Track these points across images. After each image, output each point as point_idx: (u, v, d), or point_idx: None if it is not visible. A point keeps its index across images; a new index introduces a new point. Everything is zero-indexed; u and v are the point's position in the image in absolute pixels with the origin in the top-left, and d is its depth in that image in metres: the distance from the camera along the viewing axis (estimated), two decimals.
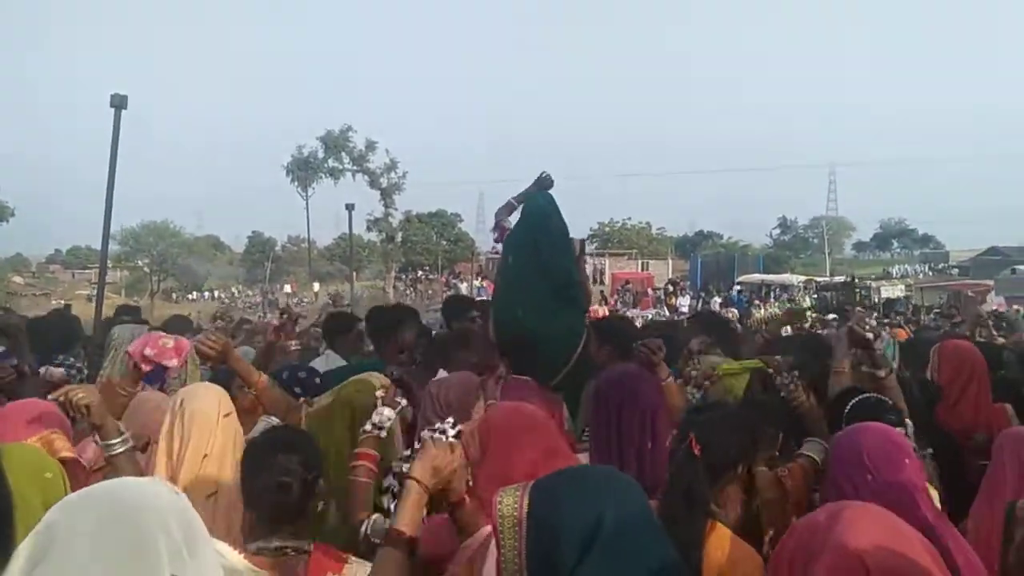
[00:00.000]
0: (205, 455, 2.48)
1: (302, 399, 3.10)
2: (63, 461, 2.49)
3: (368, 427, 2.60)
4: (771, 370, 3.17)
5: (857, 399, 2.86)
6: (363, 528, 2.34)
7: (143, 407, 2.96)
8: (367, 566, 2.03)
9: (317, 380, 3.57)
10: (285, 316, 4.86)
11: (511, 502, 1.51)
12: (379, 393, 2.67)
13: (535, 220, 4.42)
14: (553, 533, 1.42)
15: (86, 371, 4.41)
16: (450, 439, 2.02)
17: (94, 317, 6.27)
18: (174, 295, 58.24)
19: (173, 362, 3.05)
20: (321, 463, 2.21)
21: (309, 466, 2.12)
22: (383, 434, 2.59)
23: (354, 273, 29.73)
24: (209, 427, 2.52)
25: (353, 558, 2.11)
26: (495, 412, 2.43)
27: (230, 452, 2.53)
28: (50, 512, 1.26)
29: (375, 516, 2.37)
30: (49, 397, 2.66)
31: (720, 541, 2.06)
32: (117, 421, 2.61)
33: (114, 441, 2.48)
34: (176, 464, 2.48)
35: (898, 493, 1.96)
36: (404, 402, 2.67)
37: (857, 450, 2.13)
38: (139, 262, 59.75)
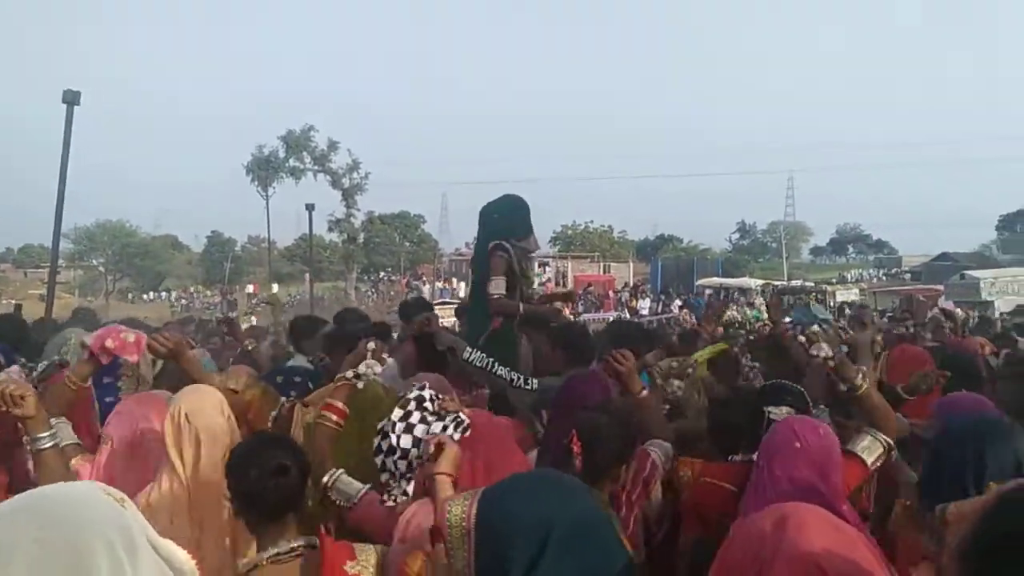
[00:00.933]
0: (209, 455, 2.43)
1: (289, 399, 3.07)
2: None
3: (349, 374, 2.59)
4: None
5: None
6: (326, 479, 2.33)
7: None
8: (373, 549, 2.03)
9: (310, 385, 3.58)
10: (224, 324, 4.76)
11: (459, 512, 1.50)
12: (371, 346, 2.66)
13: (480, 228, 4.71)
14: (502, 542, 1.42)
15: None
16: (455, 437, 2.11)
17: (44, 316, 6.16)
18: (130, 295, 57.10)
19: (133, 357, 3.00)
20: (306, 459, 2.20)
21: (298, 457, 2.12)
22: (359, 385, 2.59)
23: (309, 274, 29.47)
24: (218, 432, 2.47)
25: (358, 545, 2.08)
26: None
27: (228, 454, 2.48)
28: None
29: (340, 471, 2.37)
30: None
31: None
32: (58, 417, 2.57)
33: (42, 435, 2.37)
34: (190, 471, 2.41)
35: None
36: (391, 360, 2.68)
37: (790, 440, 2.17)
38: (94, 261, 58.52)
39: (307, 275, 29.88)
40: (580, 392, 2.81)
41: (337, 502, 2.34)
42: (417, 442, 2.19)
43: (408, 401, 2.25)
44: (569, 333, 4.31)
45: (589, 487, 1.77)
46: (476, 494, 1.53)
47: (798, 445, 2.10)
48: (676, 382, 3.57)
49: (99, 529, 1.19)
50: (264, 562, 1.97)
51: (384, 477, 2.29)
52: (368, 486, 2.37)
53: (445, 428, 2.16)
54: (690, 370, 3.63)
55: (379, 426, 2.27)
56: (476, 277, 4.71)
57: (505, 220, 4.67)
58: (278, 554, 1.98)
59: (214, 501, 2.35)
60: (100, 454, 2.67)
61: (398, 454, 2.24)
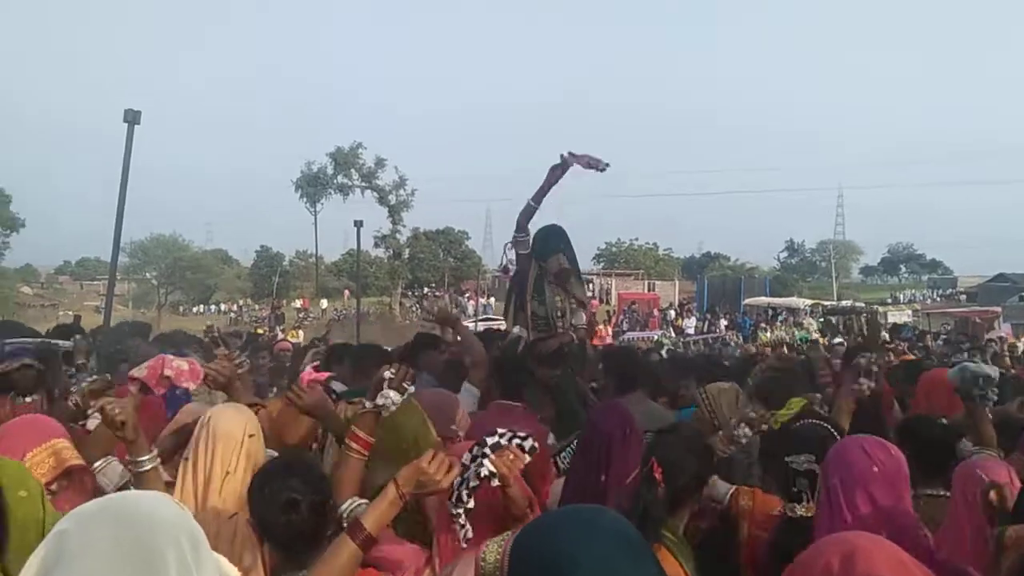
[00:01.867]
0: (228, 472, 2.48)
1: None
2: (71, 469, 2.53)
3: (369, 405, 2.53)
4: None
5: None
6: (343, 508, 2.30)
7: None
8: None
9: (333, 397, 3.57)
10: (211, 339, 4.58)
11: (493, 559, 1.47)
12: (388, 374, 2.57)
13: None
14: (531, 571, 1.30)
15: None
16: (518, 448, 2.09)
17: (102, 327, 6.32)
18: (181, 308, 58.40)
19: (191, 384, 3.06)
20: (329, 487, 2.20)
21: (316, 488, 2.12)
22: (384, 414, 2.52)
23: (357, 289, 29.82)
24: (233, 446, 2.51)
25: None
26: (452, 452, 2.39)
27: (251, 473, 2.49)
28: (62, 521, 1.28)
29: (359, 500, 2.32)
30: (89, 411, 2.62)
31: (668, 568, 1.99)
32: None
33: (143, 458, 2.45)
34: (204, 480, 2.47)
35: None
36: (412, 388, 2.60)
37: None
38: (147, 274, 60.00)
39: (349, 291, 30.14)
40: (599, 426, 2.74)
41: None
42: (465, 483, 2.12)
43: (484, 442, 2.16)
44: (615, 360, 4.29)
45: (647, 520, 1.73)
46: (510, 538, 1.43)
47: (875, 469, 2.03)
48: (746, 429, 3.43)
49: (170, 532, 1.28)
50: None
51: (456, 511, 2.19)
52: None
53: (526, 450, 2.12)
54: (765, 426, 3.46)
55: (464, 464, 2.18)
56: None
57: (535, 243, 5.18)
58: None
59: (220, 509, 2.38)
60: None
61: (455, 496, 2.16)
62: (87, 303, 49.65)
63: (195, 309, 58.00)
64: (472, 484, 2.08)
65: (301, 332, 27.10)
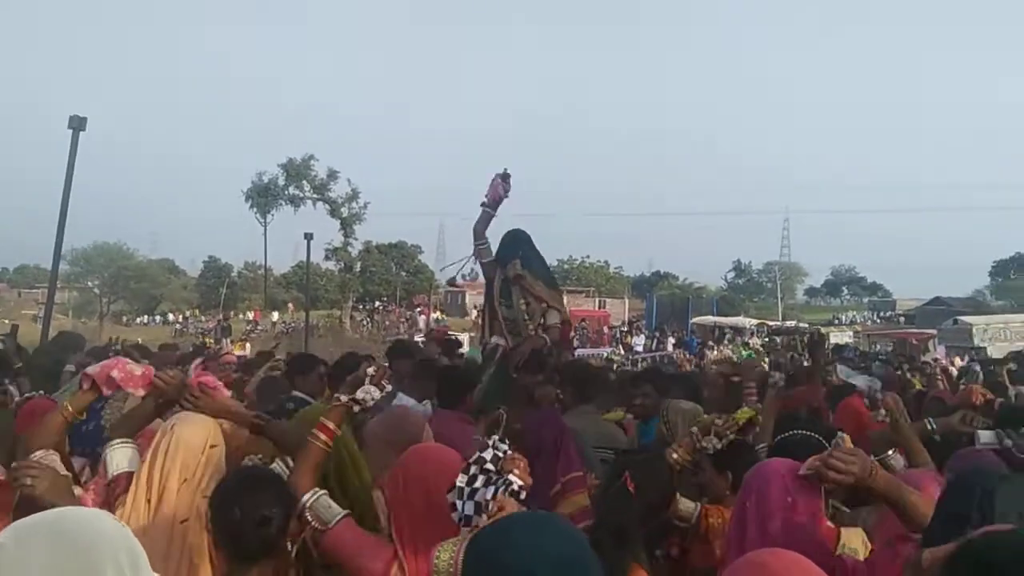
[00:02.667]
0: (185, 479, 2.44)
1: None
2: None
3: (344, 398, 2.47)
4: None
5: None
6: (305, 498, 2.24)
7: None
8: None
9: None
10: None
11: (447, 558, 1.47)
12: (370, 371, 2.54)
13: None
14: None
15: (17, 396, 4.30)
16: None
17: (40, 338, 6.18)
18: (124, 318, 56.94)
19: (139, 391, 2.99)
20: (293, 502, 2.21)
21: (283, 504, 2.14)
22: (355, 409, 2.49)
23: (305, 302, 29.52)
24: (194, 454, 2.47)
25: None
26: (410, 455, 2.37)
27: (207, 483, 2.45)
28: (3, 533, 1.27)
29: (322, 492, 2.28)
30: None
31: None
32: (47, 449, 2.54)
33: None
34: (159, 486, 2.43)
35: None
36: (389, 387, 2.57)
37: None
38: (89, 283, 58.41)
39: (292, 303, 29.72)
40: (532, 433, 2.79)
41: (312, 523, 2.24)
42: (479, 508, 1.95)
43: (482, 460, 2.02)
44: (573, 371, 4.39)
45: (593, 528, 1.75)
46: (464, 540, 1.46)
47: (790, 500, 2.04)
48: (715, 440, 3.43)
49: (109, 549, 1.28)
50: None
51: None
52: (347, 512, 2.28)
53: (496, 491, 1.96)
54: (730, 433, 3.54)
55: (448, 496, 2.04)
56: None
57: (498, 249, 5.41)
58: None
59: (171, 515, 2.36)
60: (98, 483, 2.66)
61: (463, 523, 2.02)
62: (25, 311, 48.03)
63: (139, 319, 56.58)
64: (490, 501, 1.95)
65: (248, 345, 26.61)
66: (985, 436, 3.64)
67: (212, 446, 2.55)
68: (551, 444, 2.63)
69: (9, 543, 1.24)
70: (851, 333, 32.66)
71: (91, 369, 2.90)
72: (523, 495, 1.96)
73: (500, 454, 2.00)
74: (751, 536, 2.01)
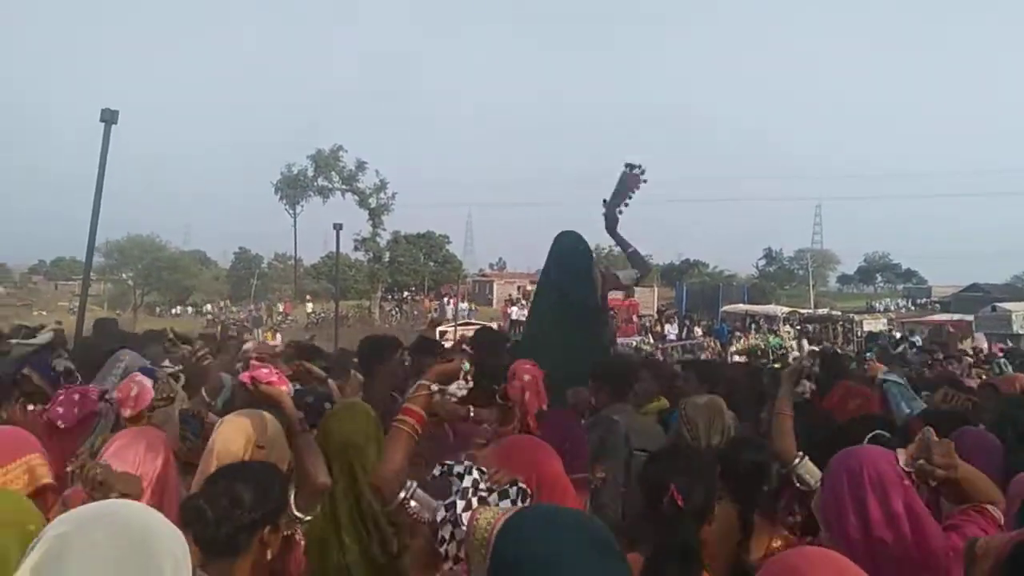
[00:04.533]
0: None
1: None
2: (44, 487, 2.44)
3: (435, 387, 2.44)
4: None
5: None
6: (403, 493, 2.18)
7: None
8: None
9: (327, 405, 3.52)
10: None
11: (485, 524, 1.45)
12: (466, 366, 2.51)
13: (557, 259, 4.87)
14: (514, 571, 1.35)
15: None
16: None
17: (75, 330, 6.25)
18: (158, 309, 57.81)
19: (127, 411, 3.02)
20: (280, 502, 2.08)
21: (257, 502, 1.98)
22: (436, 397, 2.46)
23: (335, 293, 29.65)
24: (232, 457, 2.39)
25: None
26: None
27: None
28: (58, 523, 1.28)
29: (413, 485, 2.21)
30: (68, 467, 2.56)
31: None
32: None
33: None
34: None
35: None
36: (471, 383, 2.56)
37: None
38: (123, 275, 59.33)
39: (311, 295, 29.85)
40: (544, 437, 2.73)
41: (416, 517, 2.17)
42: None
43: (465, 491, 2.01)
44: (610, 369, 4.27)
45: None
46: (505, 513, 1.46)
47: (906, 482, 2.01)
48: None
49: (166, 544, 1.30)
50: None
51: (447, 566, 2.05)
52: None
53: (514, 503, 1.99)
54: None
55: (442, 519, 2.03)
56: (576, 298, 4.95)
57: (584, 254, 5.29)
58: None
59: None
60: None
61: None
62: (61, 303, 48.97)
63: (172, 311, 57.40)
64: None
65: (279, 335, 26.88)
66: None
67: (259, 447, 2.46)
68: (556, 446, 2.57)
69: (71, 530, 1.25)
70: (885, 320, 32.14)
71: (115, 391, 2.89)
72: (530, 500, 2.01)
73: (478, 477, 2.01)
74: (875, 518, 1.93)
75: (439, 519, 1.99)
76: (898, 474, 1.98)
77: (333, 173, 47.91)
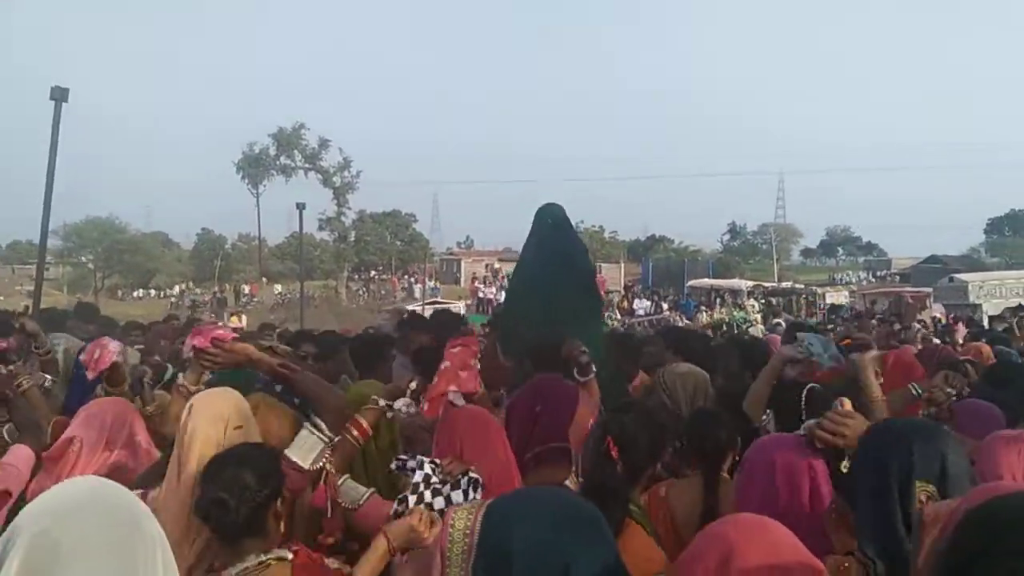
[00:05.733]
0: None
1: None
2: None
3: (382, 402, 2.64)
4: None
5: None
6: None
7: None
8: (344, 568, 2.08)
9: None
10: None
11: (462, 526, 1.41)
12: (412, 385, 2.72)
13: (554, 230, 4.71)
14: (506, 571, 1.31)
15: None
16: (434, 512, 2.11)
17: (31, 312, 6.13)
18: (119, 292, 56.78)
19: (90, 374, 3.00)
20: (281, 476, 2.13)
21: (263, 482, 2.04)
22: (388, 415, 2.65)
23: (300, 273, 29.36)
24: (212, 443, 2.31)
25: (332, 561, 2.10)
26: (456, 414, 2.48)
27: None
28: (28, 518, 1.16)
29: (346, 477, 2.43)
30: None
31: (631, 539, 2.06)
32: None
33: None
34: (175, 473, 2.31)
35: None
36: (414, 410, 2.68)
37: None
38: (83, 258, 58.10)
39: (303, 273, 29.55)
40: (513, 403, 2.74)
41: (344, 505, 2.38)
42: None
43: (416, 485, 2.20)
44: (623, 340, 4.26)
45: (613, 506, 1.75)
46: (482, 506, 1.43)
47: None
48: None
49: (155, 526, 1.24)
50: None
51: (396, 559, 2.20)
52: (372, 490, 2.43)
53: (466, 494, 2.15)
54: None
55: (396, 513, 2.20)
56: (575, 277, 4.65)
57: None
58: (246, 569, 1.97)
59: (182, 507, 2.25)
60: (68, 456, 2.59)
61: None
62: (18, 287, 47.85)
63: (135, 294, 56.43)
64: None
65: (244, 317, 26.52)
66: None
67: (236, 427, 2.42)
68: (524, 413, 2.55)
69: (53, 524, 1.14)
70: (847, 293, 32.65)
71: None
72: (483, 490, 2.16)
73: (430, 471, 2.20)
74: (783, 507, 1.99)
75: (392, 513, 2.13)
76: (804, 458, 2.05)
77: (296, 152, 47.19)
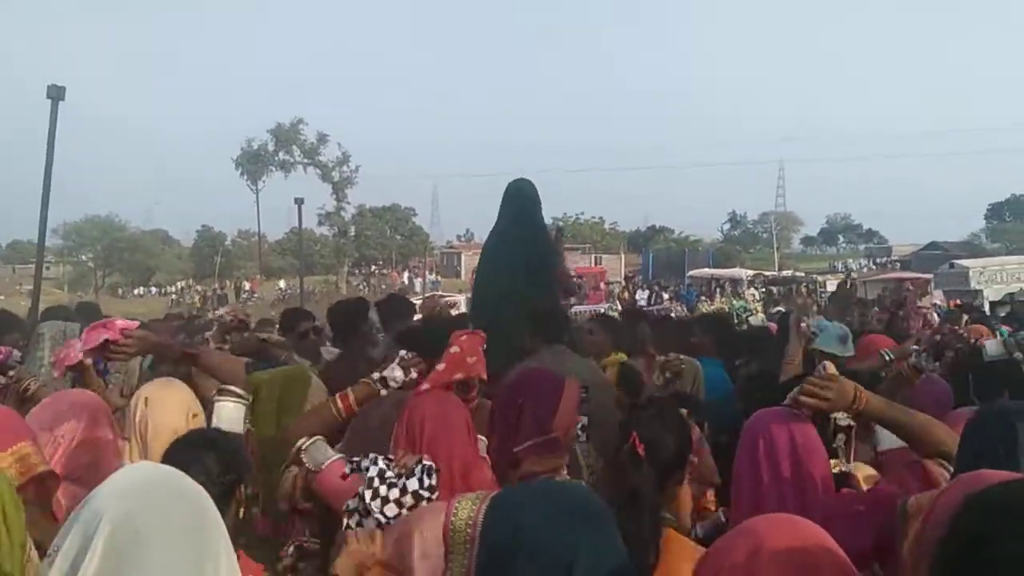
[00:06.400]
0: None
1: None
2: (39, 476, 2.26)
3: (376, 375, 2.60)
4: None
5: None
6: (301, 442, 2.33)
7: None
8: None
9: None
10: None
11: (466, 515, 1.41)
12: (403, 353, 2.67)
13: (512, 208, 4.65)
14: (514, 560, 1.29)
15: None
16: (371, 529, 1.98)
17: (29, 314, 6.12)
18: (120, 290, 56.80)
19: (55, 372, 3.02)
20: (245, 467, 2.07)
21: (227, 469, 1.98)
22: (383, 392, 2.56)
23: (300, 269, 29.36)
24: (174, 434, 2.30)
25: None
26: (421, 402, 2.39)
27: None
28: (106, 499, 1.19)
29: (318, 438, 2.37)
30: None
31: (682, 551, 1.84)
32: None
33: None
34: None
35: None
36: (415, 374, 2.62)
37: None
38: (83, 257, 58.12)
39: (302, 269, 29.52)
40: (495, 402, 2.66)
41: (306, 464, 2.33)
42: (401, 505, 2.07)
43: (371, 480, 2.13)
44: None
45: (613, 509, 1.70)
46: (486, 497, 1.42)
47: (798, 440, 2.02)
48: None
49: (219, 524, 1.28)
50: None
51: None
52: (339, 455, 2.34)
53: (421, 482, 2.08)
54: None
55: (349, 510, 2.14)
56: (532, 257, 4.58)
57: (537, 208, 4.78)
58: None
59: None
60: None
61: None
62: (20, 287, 47.88)
63: (135, 291, 56.45)
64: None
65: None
66: (992, 347, 3.61)
67: (193, 415, 2.51)
68: (508, 406, 2.46)
69: (138, 507, 1.18)
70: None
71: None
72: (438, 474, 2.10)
73: (384, 466, 2.14)
74: (765, 483, 1.98)
75: (347, 509, 2.09)
76: (785, 424, 2.02)
77: (294, 147, 47.17)
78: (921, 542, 1.22)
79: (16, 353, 3.56)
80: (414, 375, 2.61)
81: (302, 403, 2.85)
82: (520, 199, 4.74)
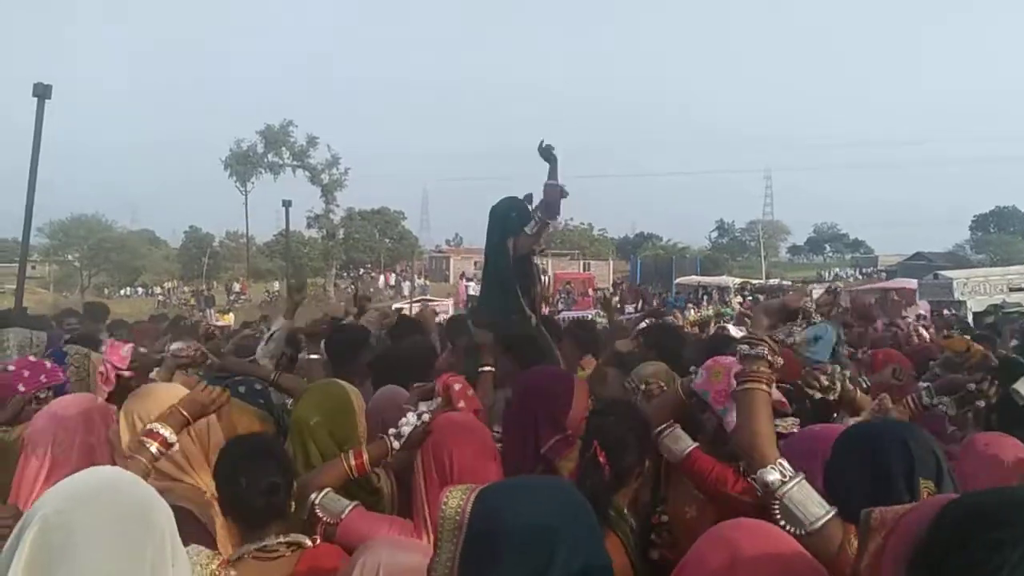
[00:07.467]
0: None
1: None
2: None
3: (392, 431, 2.58)
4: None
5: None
6: (312, 497, 2.38)
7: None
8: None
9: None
10: None
11: (455, 505, 1.44)
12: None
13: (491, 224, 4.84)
14: (498, 545, 1.35)
15: None
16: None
17: (13, 310, 6.09)
18: (106, 290, 56.37)
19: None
20: (291, 465, 2.29)
21: (285, 469, 2.21)
22: (395, 445, 2.56)
23: (287, 271, 29.23)
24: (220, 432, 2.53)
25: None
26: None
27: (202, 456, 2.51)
28: (50, 500, 1.23)
29: (328, 490, 2.41)
30: None
31: (613, 553, 1.93)
32: None
33: None
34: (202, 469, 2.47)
35: None
36: (427, 417, 2.59)
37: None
38: (69, 256, 57.64)
39: (290, 271, 29.45)
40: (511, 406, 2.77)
41: (324, 519, 2.37)
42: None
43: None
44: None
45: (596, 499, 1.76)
46: (475, 489, 1.47)
47: None
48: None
49: (164, 518, 1.30)
50: (248, 555, 2.03)
51: None
52: (355, 503, 2.41)
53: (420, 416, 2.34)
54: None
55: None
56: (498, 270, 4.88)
57: (520, 218, 4.92)
58: (265, 547, 2.04)
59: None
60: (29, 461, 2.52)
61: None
62: (3, 286, 47.46)
63: (121, 291, 56.03)
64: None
65: (232, 315, 26.39)
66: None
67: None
68: (523, 412, 2.59)
69: (72, 507, 1.21)
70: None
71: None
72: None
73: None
74: None
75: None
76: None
77: (283, 149, 46.99)
78: (883, 557, 1.22)
79: None
80: (427, 418, 2.60)
81: (353, 430, 2.78)
82: (490, 220, 4.98)
